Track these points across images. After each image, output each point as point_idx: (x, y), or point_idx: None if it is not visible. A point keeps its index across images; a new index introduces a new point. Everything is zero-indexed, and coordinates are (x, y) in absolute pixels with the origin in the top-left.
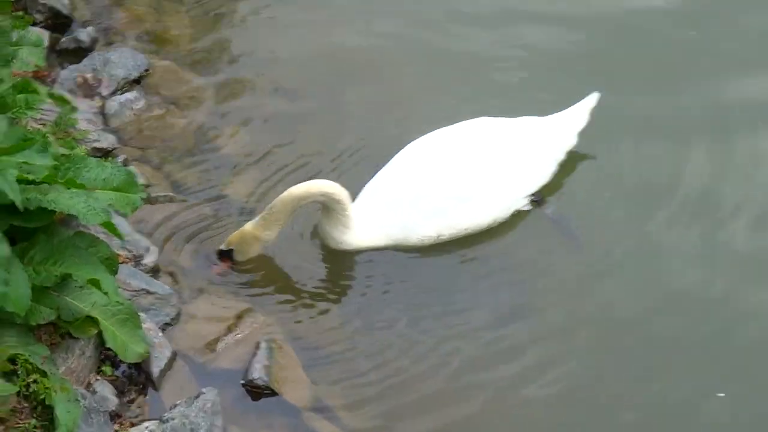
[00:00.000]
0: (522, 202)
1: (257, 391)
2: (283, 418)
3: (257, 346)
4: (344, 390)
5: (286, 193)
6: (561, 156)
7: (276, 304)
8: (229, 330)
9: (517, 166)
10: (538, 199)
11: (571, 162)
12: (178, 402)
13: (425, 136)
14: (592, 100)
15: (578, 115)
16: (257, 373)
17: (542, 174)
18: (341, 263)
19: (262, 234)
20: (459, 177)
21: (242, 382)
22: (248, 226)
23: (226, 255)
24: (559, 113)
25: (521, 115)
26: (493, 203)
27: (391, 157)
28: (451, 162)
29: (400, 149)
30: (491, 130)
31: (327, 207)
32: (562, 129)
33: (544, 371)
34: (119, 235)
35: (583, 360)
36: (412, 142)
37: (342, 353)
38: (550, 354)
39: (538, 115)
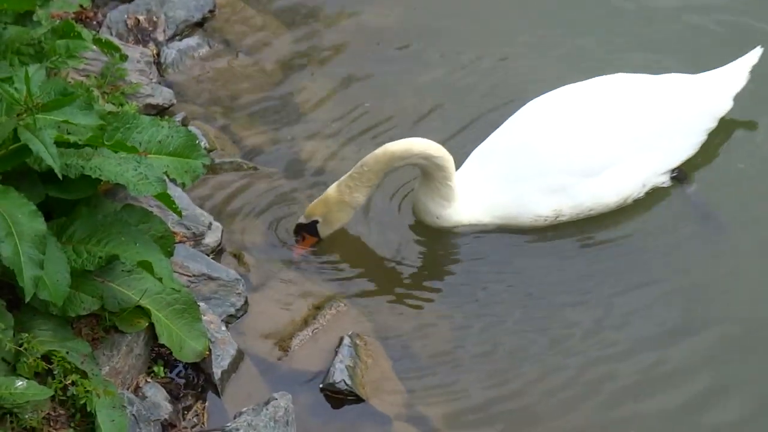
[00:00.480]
0: (661, 179)
1: (339, 397)
2: (371, 430)
3: (340, 344)
4: (446, 400)
5: (381, 150)
6: (712, 123)
7: (362, 293)
8: (306, 323)
9: (659, 134)
10: (680, 174)
11: (723, 131)
12: (244, 409)
13: (549, 94)
14: (753, 56)
15: (736, 74)
16: (339, 376)
17: (688, 145)
18: (441, 244)
19: (349, 197)
20: (587, 146)
21: (321, 386)
22: (331, 190)
23: (307, 230)
24: (712, 71)
25: (666, 72)
26: (627, 179)
27: (506, 118)
28: (578, 127)
29: (516, 109)
30: (629, 88)
31: (426, 173)
32: (716, 90)
33: (720, 397)
34: (176, 210)
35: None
36: (533, 101)
37: (444, 356)
38: (724, 375)
39: (687, 72)
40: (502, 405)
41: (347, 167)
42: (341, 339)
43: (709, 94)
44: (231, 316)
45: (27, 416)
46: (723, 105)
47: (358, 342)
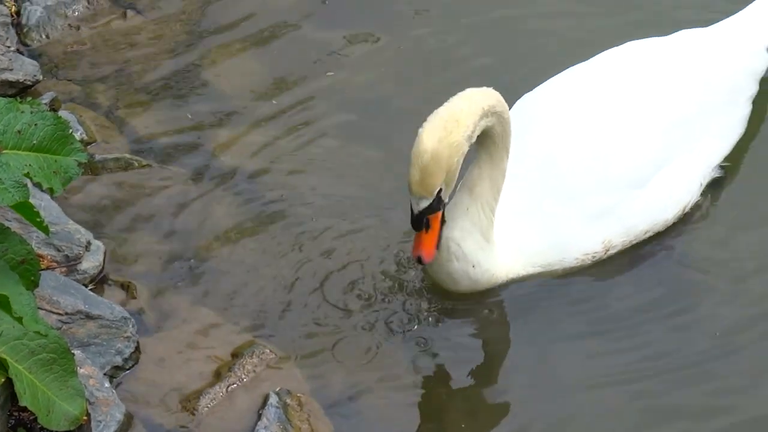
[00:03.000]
0: (715, 172)
1: None
2: None
3: (264, 404)
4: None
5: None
6: (755, 87)
7: (295, 337)
8: (219, 377)
9: (703, 114)
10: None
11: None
12: None
13: (548, 85)
14: None
15: (764, 16)
16: None
17: (737, 120)
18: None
19: (460, 133)
20: (624, 150)
21: None
22: (434, 141)
23: (432, 209)
24: (732, 18)
25: (674, 30)
26: (683, 181)
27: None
28: (606, 127)
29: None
30: (649, 63)
31: (478, 184)
32: (748, 41)
33: None
34: (42, 226)
35: None
36: (526, 98)
37: (401, 420)
38: None
39: (699, 26)
40: None
41: (273, 164)
42: (266, 398)
43: (742, 48)
44: (117, 368)
45: None
46: (761, 60)
47: (289, 402)
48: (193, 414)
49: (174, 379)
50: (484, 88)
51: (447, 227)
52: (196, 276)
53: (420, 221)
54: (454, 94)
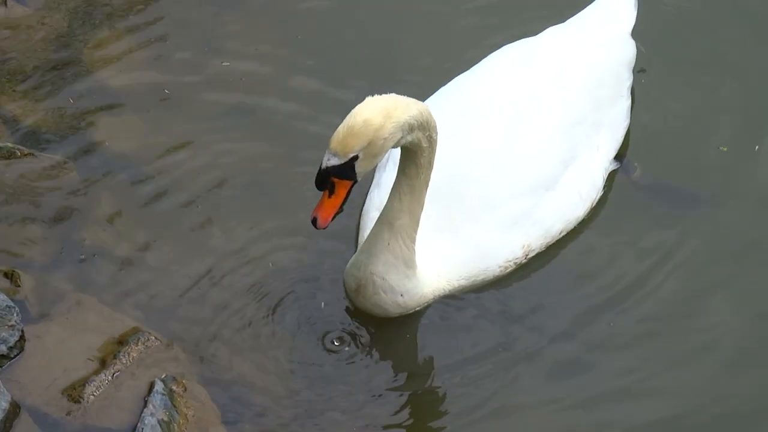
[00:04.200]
0: (611, 165)
1: None
2: None
3: (150, 391)
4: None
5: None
6: (630, 77)
7: (181, 322)
8: (105, 364)
9: (595, 108)
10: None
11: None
12: None
13: (435, 98)
14: None
15: (620, 3)
16: None
17: (623, 111)
18: None
19: (401, 114)
20: (529, 154)
21: None
22: (371, 111)
23: (340, 173)
24: (588, 8)
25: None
26: (589, 177)
27: None
28: (508, 133)
29: None
30: (532, 65)
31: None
32: (615, 32)
33: None
34: None
35: None
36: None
37: (288, 402)
38: None
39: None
40: None
41: (157, 150)
42: (152, 384)
43: (615, 40)
44: (2, 356)
45: None
46: (631, 48)
47: (174, 388)
48: (79, 402)
49: (59, 367)
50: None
51: (370, 262)
52: (80, 264)
53: (324, 179)
54: None
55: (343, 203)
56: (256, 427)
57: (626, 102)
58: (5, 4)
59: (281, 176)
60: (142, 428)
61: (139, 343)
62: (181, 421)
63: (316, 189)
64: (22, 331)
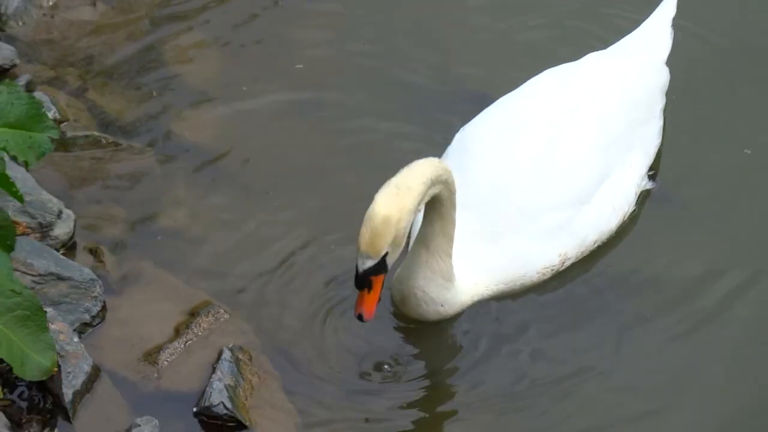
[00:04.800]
0: (645, 181)
1: (217, 423)
2: None
3: (218, 358)
4: (348, 427)
5: (421, 165)
6: (663, 100)
7: (247, 297)
8: (178, 333)
9: (629, 130)
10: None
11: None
12: None
13: (480, 117)
14: (669, 6)
15: (657, 32)
16: (217, 398)
17: (655, 132)
18: None
19: (411, 203)
20: (569, 171)
21: (195, 410)
22: (386, 208)
23: (376, 270)
24: (627, 37)
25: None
26: (621, 193)
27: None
28: (550, 151)
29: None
30: (572, 89)
31: (430, 233)
32: (651, 59)
33: None
34: (17, 195)
35: None
36: (466, 131)
37: (344, 375)
38: None
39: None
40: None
41: (234, 142)
42: (220, 353)
43: (651, 66)
44: (85, 324)
45: None
46: (664, 74)
47: (240, 357)
48: (154, 366)
49: (137, 335)
50: (431, 159)
51: (411, 277)
52: (158, 242)
53: (363, 280)
54: None
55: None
56: (313, 396)
57: (658, 122)
58: (94, 5)
59: (350, 166)
60: (211, 392)
61: (210, 315)
62: (245, 386)
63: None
64: (104, 302)
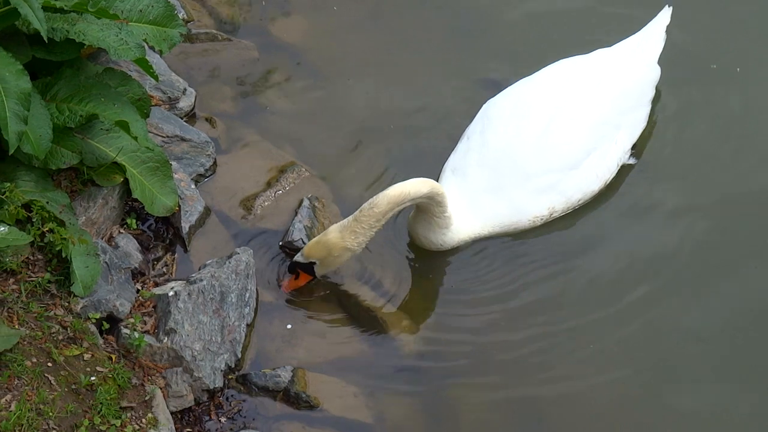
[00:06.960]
0: (627, 156)
1: (294, 252)
2: (325, 284)
3: (299, 205)
4: (397, 270)
5: (381, 197)
6: (652, 92)
7: (323, 160)
8: (270, 185)
9: (620, 113)
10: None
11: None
12: (208, 262)
13: (503, 94)
14: (665, 16)
15: (653, 37)
16: (298, 235)
17: (642, 117)
18: None
19: (352, 243)
20: (565, 142)
21: (280, 243)
22: (334, 235)
23: (303, 268)
24: (628, 39)
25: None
26: (606, 164)
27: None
28: (551, 125)
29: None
30: (579, 75)
31: (424, 209)
32: (646, 57)
33: None
34: (153, 75)
35: None
36: (490, 104)
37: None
38: None
39: (603, 46)
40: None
41: (322, 50)
42: (301, 201)
43: (643, 63)
44: (200, 175)
45: (8, 259)
46: (655, 71)
47: (316, 204)
48: (250, 210)
49: (238, 186)
50: (398, 186)
51: (414, 227)
52: (257, 115)
53: (293, 267)
54: None
55: (305, 286)
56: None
57: (645, 109)
58: None
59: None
60: (293, 230)
61: (294, 172)
62: (319, 227)
63: None
64: (215, 159)
